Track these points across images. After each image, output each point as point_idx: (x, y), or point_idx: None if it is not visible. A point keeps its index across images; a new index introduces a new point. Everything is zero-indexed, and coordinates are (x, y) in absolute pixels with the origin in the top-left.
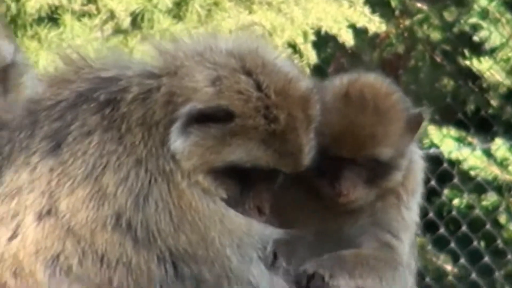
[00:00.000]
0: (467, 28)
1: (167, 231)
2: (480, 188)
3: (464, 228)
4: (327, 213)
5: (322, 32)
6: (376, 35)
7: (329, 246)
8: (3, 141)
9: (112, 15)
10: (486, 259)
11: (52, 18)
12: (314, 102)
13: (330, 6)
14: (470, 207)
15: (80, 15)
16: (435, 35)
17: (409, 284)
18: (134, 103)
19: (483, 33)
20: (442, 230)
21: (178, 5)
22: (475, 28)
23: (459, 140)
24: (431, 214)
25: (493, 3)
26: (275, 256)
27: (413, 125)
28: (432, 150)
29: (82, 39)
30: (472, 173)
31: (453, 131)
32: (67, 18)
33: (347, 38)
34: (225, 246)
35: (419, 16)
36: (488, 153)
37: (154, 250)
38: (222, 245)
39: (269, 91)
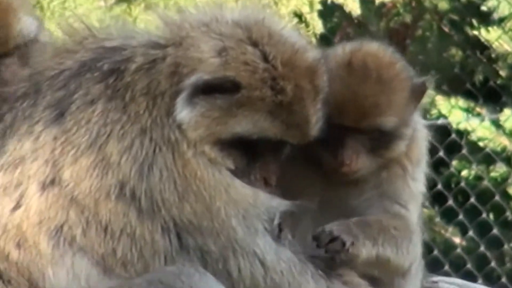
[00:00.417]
0: None
1: (172, 200)
2: (488, 159)
3: (472, 199)
4: (331, 184)
5: (329, 1)
6: (383, 4)
7: (333, 218)
8: (4, 109)
9: None
10: (495, 231)
11: None
12: (321, 72)
13: None
14: (478, 178)
15: None
16: (443, 5)
17: (418, 255)
18: (138, 73)
19: (491, 3)
20: (450, 201)
21: None
22: None
23: (468, 110)
24: (439, 186)
25: None
26: (280, 228)
27: (417, 94)
28: (440, 121)
29: (85, 8)
30: (481, 144)
31: (461, 102)
32: None
33: (354, 7)
34: (231, 217)
35: None
36: (496, 124)
37: (158, 220)
38: (227, 215)
39: (276, 62)
